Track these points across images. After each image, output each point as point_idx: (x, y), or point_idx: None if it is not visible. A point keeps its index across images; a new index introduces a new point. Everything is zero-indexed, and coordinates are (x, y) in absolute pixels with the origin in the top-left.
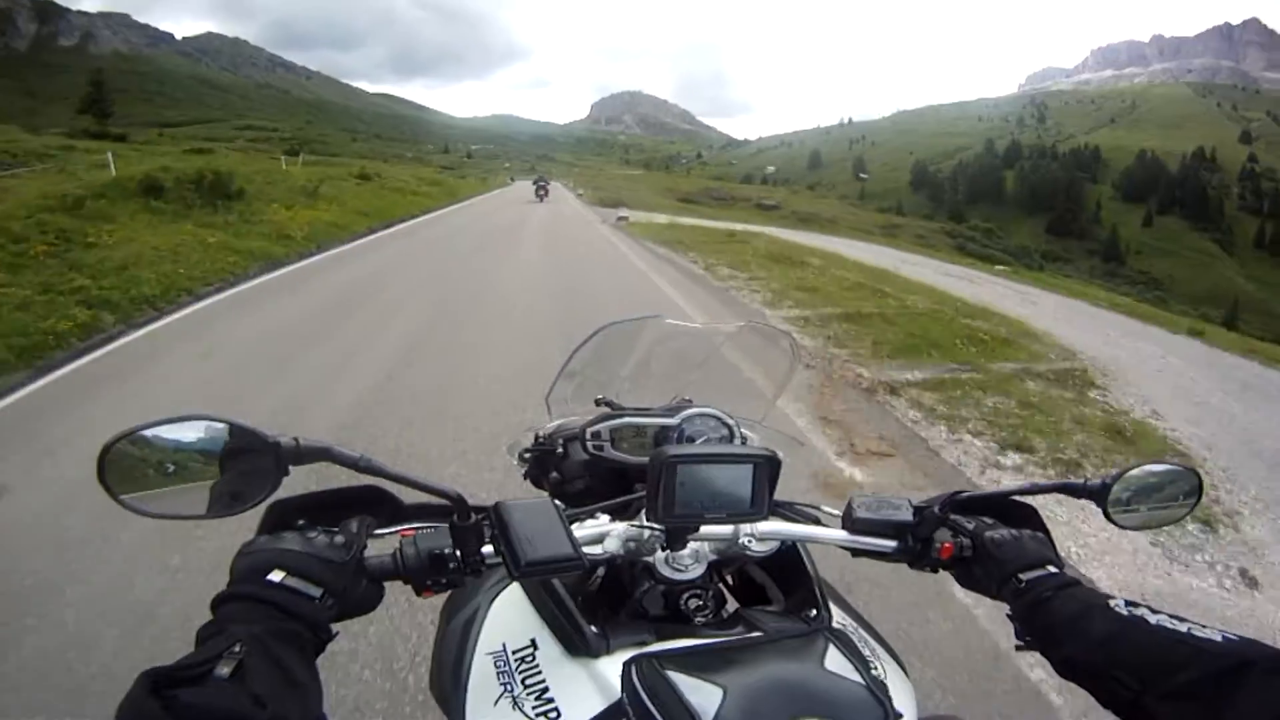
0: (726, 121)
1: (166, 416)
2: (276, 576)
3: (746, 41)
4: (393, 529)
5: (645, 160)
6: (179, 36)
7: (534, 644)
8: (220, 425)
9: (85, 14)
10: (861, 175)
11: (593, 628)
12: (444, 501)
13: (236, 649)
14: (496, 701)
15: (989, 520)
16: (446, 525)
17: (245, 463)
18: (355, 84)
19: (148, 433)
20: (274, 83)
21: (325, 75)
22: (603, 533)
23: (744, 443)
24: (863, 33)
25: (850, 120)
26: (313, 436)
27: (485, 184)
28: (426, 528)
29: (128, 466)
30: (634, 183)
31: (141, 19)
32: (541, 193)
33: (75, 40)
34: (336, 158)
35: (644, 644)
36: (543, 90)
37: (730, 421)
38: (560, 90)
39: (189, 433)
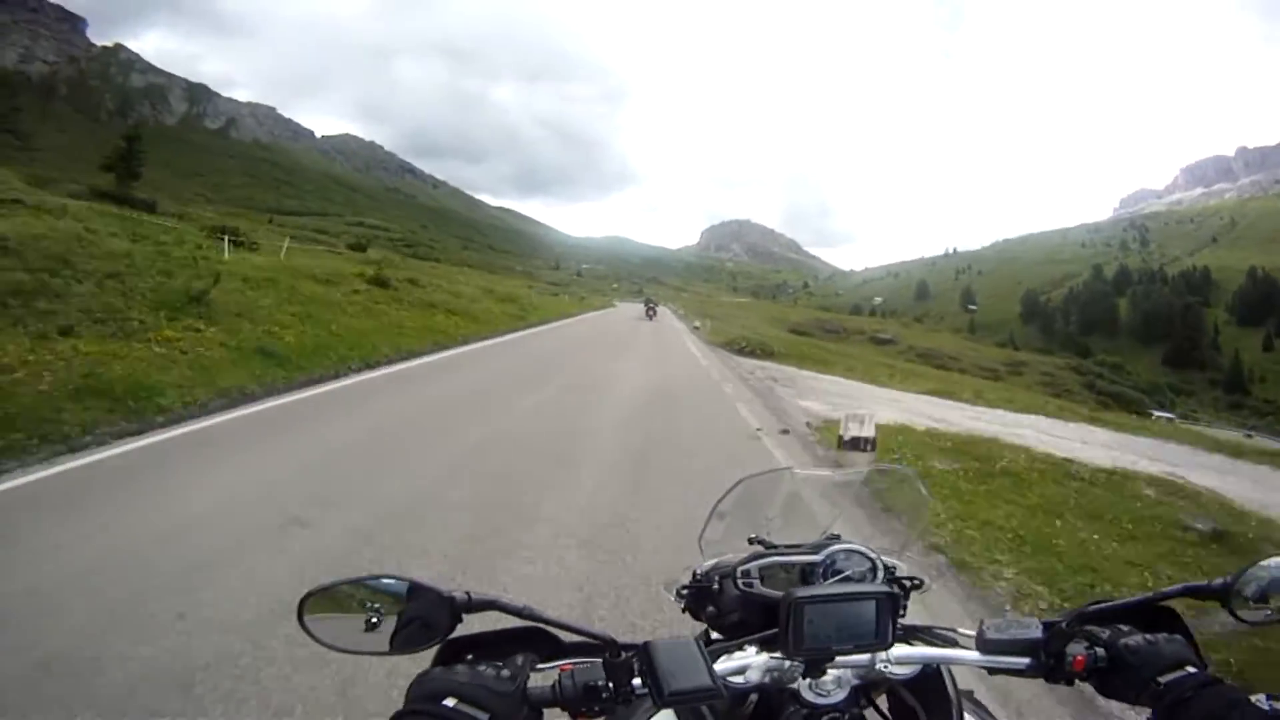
0: (830, 251)
1: (362, 575)
2: (450, 702)
3: (849, 174)
4: (552, 665)
5: (752, 288)
6: (319, 134)
7: None
8: (402, 582)
9: (234, 101)
10: (970, 307)
11: None
12: (598, 642)
13: None
14: None
15: (1124, 628)
16: (600, 661)
17: (423, 610)
18: (479, 196)
19: (344, 586)
20: (401, 188)
21: (451, 185)
22: (747, 664)
23: (886, 572)
24: (960, 164)
25: (954, 250)
26: (480, 590)
27: (581, 303)
28: (583, 663)
29: (323, 612)
30: (744, 311)
31: (286, 114)
32: (651, 313)
33: (220, 124)
34: (435, 263)
35: None
36: (654, 214)
37: (872, 555)
38: (671, 215)
39: (376, 586)
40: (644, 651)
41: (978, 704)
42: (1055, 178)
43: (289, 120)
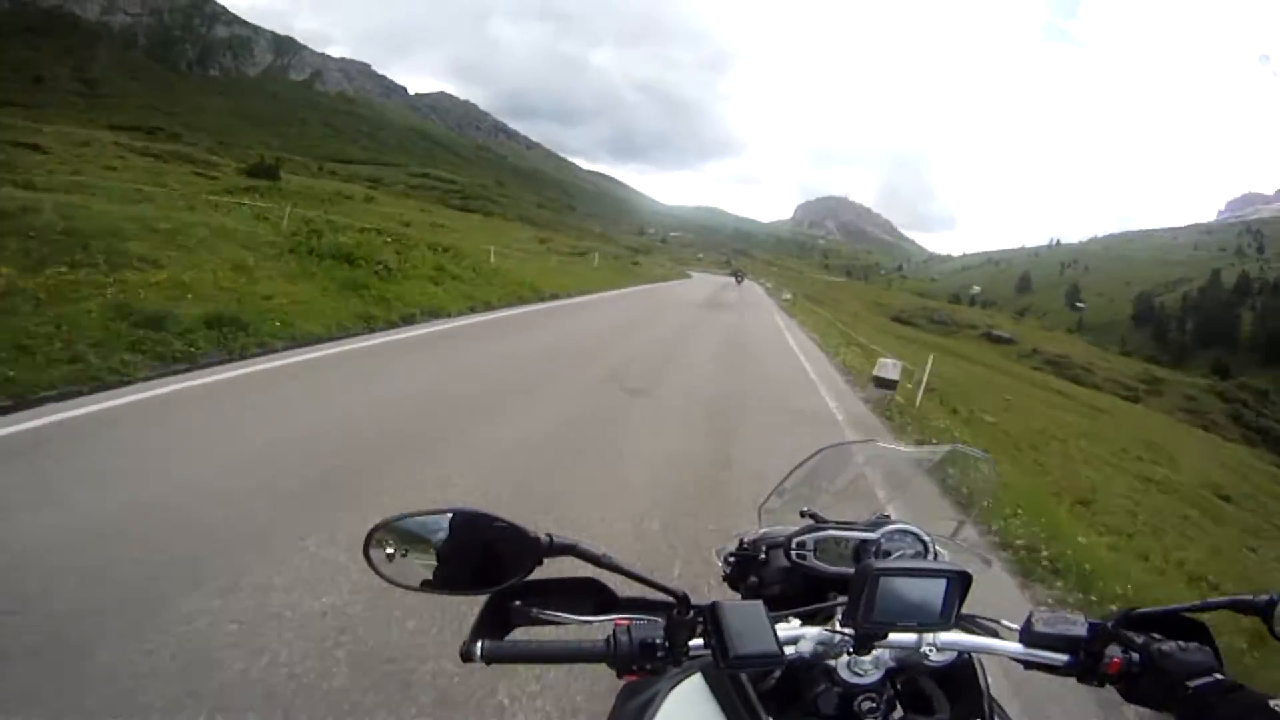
0: (926, 236)
1: (435, 507)
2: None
3: (950, 158)
4: (606, 618)
5: (844, 267)
6: (412, 91)
7: None
8: (485, 518)
9: (321, 55)
10: (1078, 304)
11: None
12: (662, 597)
13: None
14: None
15: (1157, 636)
16: (660, 619)
17: (505, 549)
18: (573, 159)
19: (409, 522)
20: (493, 146)
21: (545, 147)
22: (797, 635)
23: (936, 558)
24: (1063, 155)
25: (1058, 242)
26: (561, 533)
27: (631, 274)
28: (641, 619)
29: (392, 547)
30: (836, 291)
31: (381, 71)
32: (739, 279)
33: (305, 76)
34: (485, 215)
35: None
36: (750, 187)
37: (926, 538)
38: (767, 189)
39: (455, 521)
40: (712, 611)
41: (993, 699)
42: (1160, 174)
43: (382, 76)
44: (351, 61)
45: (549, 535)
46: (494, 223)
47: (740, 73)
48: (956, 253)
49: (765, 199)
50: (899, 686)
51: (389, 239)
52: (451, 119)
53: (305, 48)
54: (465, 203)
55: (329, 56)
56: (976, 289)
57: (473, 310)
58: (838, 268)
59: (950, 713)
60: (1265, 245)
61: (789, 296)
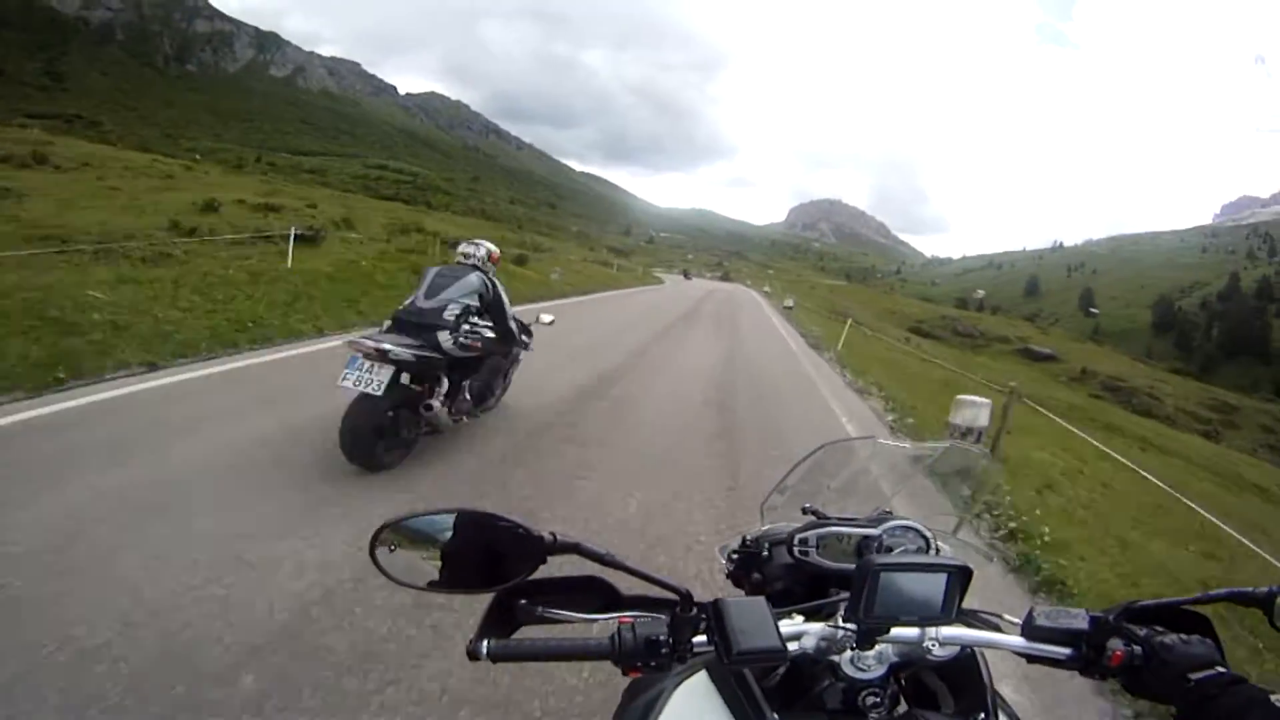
0: (920, 239)
1: (440, 507)
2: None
3: (943, 160)
4: (609, 615)
5: (841, 270)
6: (402, 91)
7: None
8: (492, 517)
9: (305, 52)
10: (1092, 310)
11: (775, 715)
12: (666, 595)
13: None
14: None
15: (1159, 629)
16: (664, 616)
17: (509, 548)
18: (565, 161)
19: (415, 522)
20: (484, 147)
21: (536, 149)
22: (800, 631)
23: (938, 554)
24: (1056, 157)
25: (1060, 244)
26: (563, 531)
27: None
28: (644, 617)
29: (398, 547)
30: (840, 297)
31: (372, 70)
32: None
33: (287, 72)
34: (427, 207)
35: None
36: (743, 190)
37: (928, 533)
38: (760, 191)
39: (458, 521)
40: (715, 608)
41: (996, 692)
42: (1154, 176)
43: (372, 75)
44: (341, 60)
45: (553, 534)
46: (435, 215)
47: (731, 75)
48: (953, 255)
49: (758, 202)
50: (903, 681)
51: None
52: (442, 119)
53: (289, 44)
54: (415, 194)
55: (315, 54)
56: (980, 293)
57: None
58: (834, 270)
59: (954, 706)
60: (1277, 248)
61: (791, 304)
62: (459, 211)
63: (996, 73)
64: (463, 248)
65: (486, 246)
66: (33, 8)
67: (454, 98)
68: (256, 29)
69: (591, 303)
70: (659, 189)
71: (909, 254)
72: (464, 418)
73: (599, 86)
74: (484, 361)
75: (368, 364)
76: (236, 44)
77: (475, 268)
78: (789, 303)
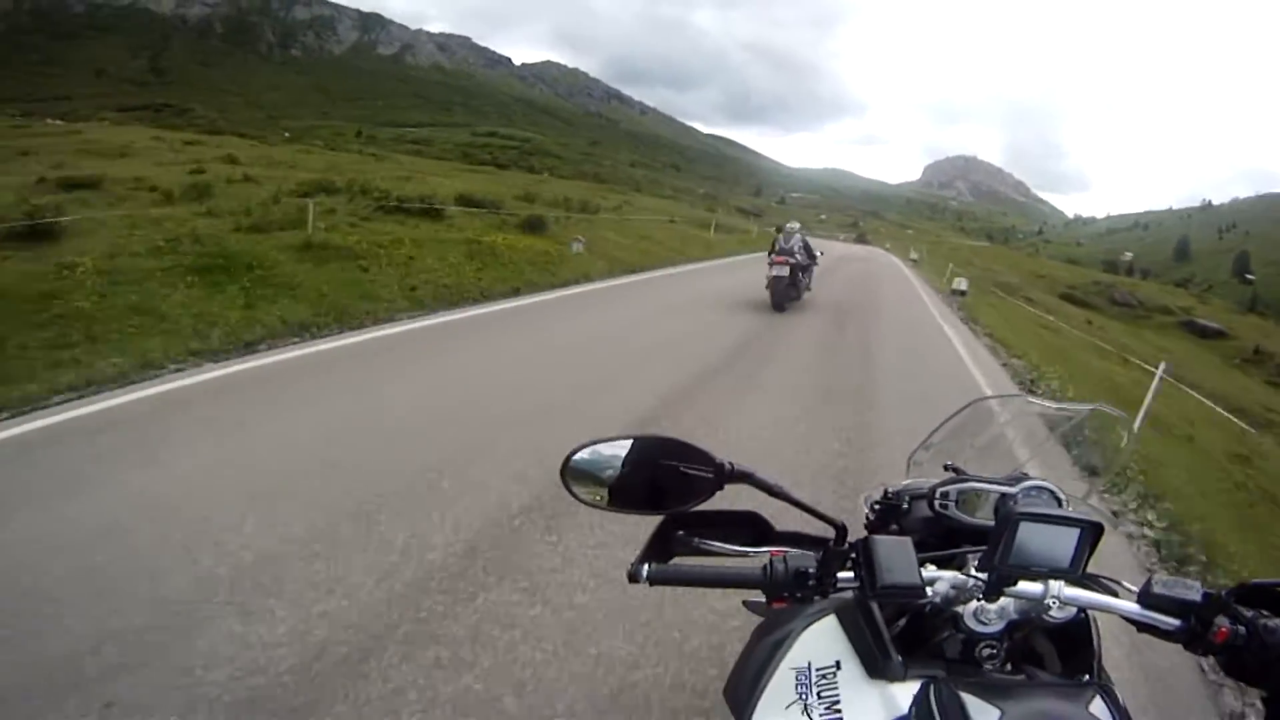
0: (1059, 197)
1: (629, 433)
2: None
3: (1081, 113)
4: (761, 549)
5: (981, 230)
6: (517, 62)
7: (838, 665)
8: (673, 442)
9: (410, 29)
10: (1248, 276)
11: (899, 657)
12: (821, 530)
13: None
14: (788, 706)
15: (1266, 612)
16: (812, 551)
17: (692, 471)
18: (691, 123)
19: (602, 446)
20: (606, 113)
21: (661, 113)
22: (934, 577)
23: None
24: (1200, 109)
25: (1209, 203)
26: (742, 461)
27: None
28: (794, 551)
29: (585, 470)
30: (985, 259)
31: (484, 44)
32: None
33: (395, 50)
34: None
35: (937, 677)
36: (875, 148)
37: (1061, 495)
38: (892, 149)
39: (646, 444)
40: (865, 544)
41: (1101, 662)
42: None
43: (485, 49)
44: (451, 36)
45: (730, 463)
46: (534, 180)
47: (851, 29)
48: (1097, 215)
49: (891, 160)
50: (1016, 640)
51: None
52: (561, 87)
53: (394, 23)
54: (519, 159)
55: (424, 31)
56: (1128, 255)
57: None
58: (973, 230)
59: (1061, 669)
60: None
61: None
62: (567, 175)
63: (1131, 17)
64: (788, 226)
65: (796, 225)
66: (130, 11)
67: (570, 65)
68: (359, 11)
69: (596, 298)
70: (790, 149)
71: (1049, 213)
72: (806, 292)
73: (712, 46)
74: (807, 269)
75: (780, 265)
76: (339, 27)
77: (797, 233)
78: (961, 286)
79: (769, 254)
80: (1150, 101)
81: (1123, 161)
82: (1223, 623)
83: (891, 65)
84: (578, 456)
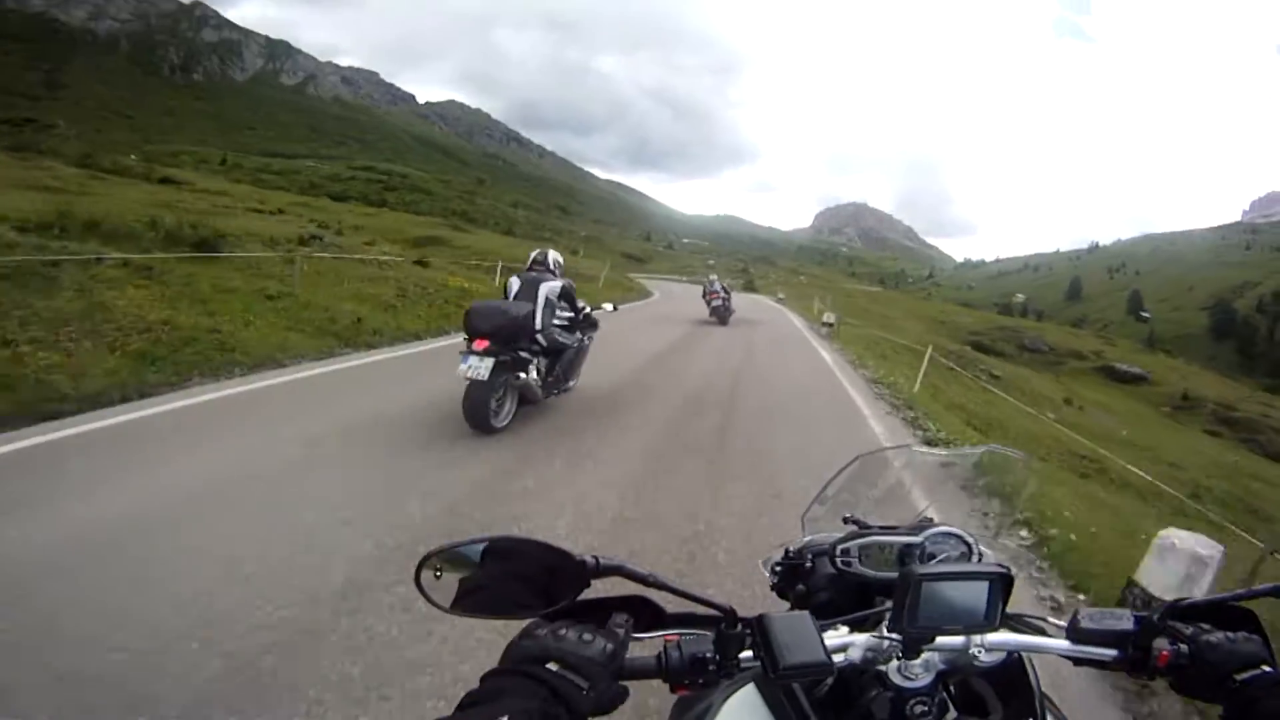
0: (948, 242)
1: (486, 535)
2: (553, 667)
3: (968, 161)
4: (654, 634)
5: (872, 275)
6: (421, 100)
7: None
8: (531, 542)
9: (321, 62)
10: (1143, 314)
11: None
12: (709, 612)
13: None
14: None
15: (1205, 626)
16: (709, 633)
17: (552, 573)
18: (589, 168)
19: (465, 547)
20: (504, 155)
21: (558, 156)
22: (846, 643)
23: (980, 559)
24: (1081, 155)
25: (1096, 245)
26: (606, 554)
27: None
28: (689, 634)
29: (444, 571)
30: (882, 306)
31: (390, 80)
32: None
33: (298, 80)
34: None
35: None
36: (768, 194)
37: (969, 539)
38: (785, 197)
39: (500, 547)
40: (759, 624)
41: (1045, 696)
42: (1179, 173)
43: (390, 84)
44: (358, 70)
45: (595, 557)
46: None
47: (750, 79)
48: (985, 258)
49: (784, 207)
50: (951, 688)
51: None
52: (461, 126)
53: (301, 53)
54: (380, 193)
55: (331, 63)
56: (1021, 297)
57: None
58: (864, 275)
59: (1003, 712)
60: None
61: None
62: (425, 212)
63: (1014, 70)
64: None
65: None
66: (38, 20)
67: (474, 106)
68: (266, 38)
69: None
70: (684, 195)
71: (938, 258)
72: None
73: (615, 92)
74: (729, 295)
75: (715, 299)
76: (245, 53)
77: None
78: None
79: (704, 295)
80: (1033, 148)
81: (1007, 206)
82: (1163, 645)
83: (788, 114)
84: (434, 559)
